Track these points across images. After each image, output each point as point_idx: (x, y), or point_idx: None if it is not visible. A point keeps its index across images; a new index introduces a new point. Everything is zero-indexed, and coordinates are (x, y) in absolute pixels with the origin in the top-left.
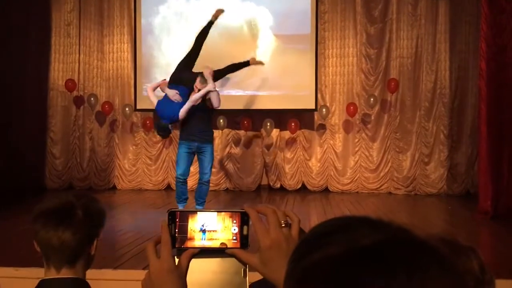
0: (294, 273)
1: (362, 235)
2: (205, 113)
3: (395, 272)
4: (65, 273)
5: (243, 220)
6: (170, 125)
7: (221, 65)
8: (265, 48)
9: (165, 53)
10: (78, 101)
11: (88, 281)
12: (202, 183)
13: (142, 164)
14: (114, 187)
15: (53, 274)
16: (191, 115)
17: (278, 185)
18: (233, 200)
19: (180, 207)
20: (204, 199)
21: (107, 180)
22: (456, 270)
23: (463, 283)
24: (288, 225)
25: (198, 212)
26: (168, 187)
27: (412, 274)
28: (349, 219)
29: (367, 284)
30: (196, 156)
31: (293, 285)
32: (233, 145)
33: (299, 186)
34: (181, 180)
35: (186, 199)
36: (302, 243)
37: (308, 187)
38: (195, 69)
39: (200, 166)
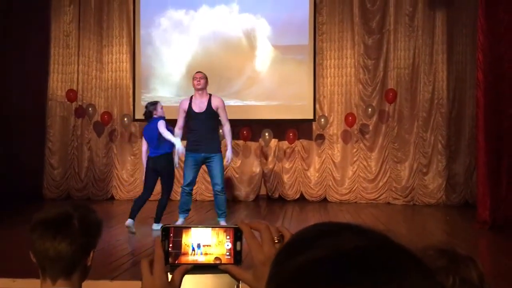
0: (276, 276)
1: (344, 240)
2: (210, 120)
3: (374, 275)
4: (61, 285)
5: (236, 236)
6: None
7: (220, 76)
8: (263, 59)
9: (164, 64)
10: (79, 112)
11: None
12: (216, 194)
13: (141, 174)
14: (112, 198)
15: (49, 286)
16: (196, 123)
17: (277, 195)
18: (231, 211)
19: (181, 218)
20: (222, 210)
21: (105, 190)
22: (431, 274)
23: (439, 286)
24: (282, 241)
25: (192, 228)
26: None
27: (390, 277)
28: (332, 225)
29: (349, 285)
30: (205, 166)
31: (276, 287)
32: None
33: (298, 196)
34: (186, 191)
35: (188, 210)
36: (286, 246)
37: (307, 197)
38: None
39: (210, 176)
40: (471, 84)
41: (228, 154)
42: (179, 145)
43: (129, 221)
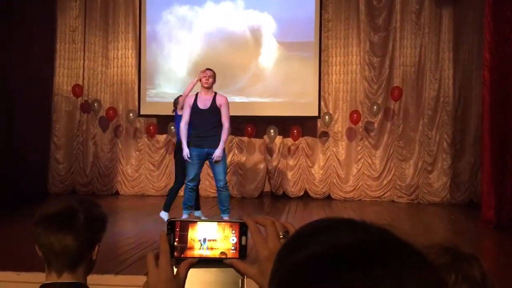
0: (279, 271)
1: (344, 235)
2: (214, 117)
3: (372, 268)
4: (66, 278)
5: (242, 230)
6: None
7: (224, 72)
8: (268, 55)
9: (169, 60)
10: (85, 107)
11: (90, 286)
12: (219, 190)
13: (145, 169)
14: (116, 193)
15: (54, 279)
16: (199, 119)
17: (281, 192)
18: (235, 207)
19: (185, 214)
20: (225, 206)
21: (110, 185)
22: (433, 269)
23: (438, 279)
24: (287, 237)
25: (198, 222)
26: None
27: (388, 270)
28: (333, 220)
29: (347, 279)
30: (208, 162)
31: (278, 282)
32: (236, 152)
33: (302, 193)
34: (189, 187)
35: (192, 206)
36: (289, 241)
37: (311, 194)
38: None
39: (213, 172)
40: (477, 83)
41: (218, 151)
42: (186, 151)
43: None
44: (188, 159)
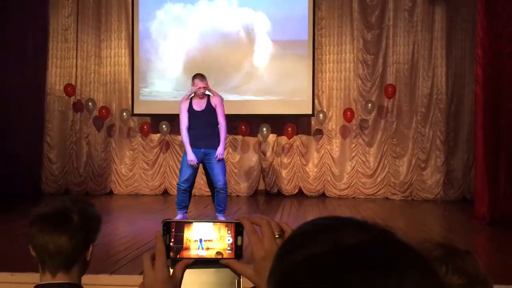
0: (278, 269)
1: (347, 235)
2: (210, 117)
3: (374, 271)
4: (60, 278)
5: (237, 230)
6: None
7: (218, 71)
8: (262, 54)
9: (163, 58)
10: (78, 106)
11: (84, 286)
12: (217, 190)
13: (139, 169)
14: (110, 192)
15: (48, 279)
16: (196, 121)
17: (275, 190)
18: (230, 205)
19: (180, 214)
20: (222, 206)
21: (103, 185)
22: (433, 270)
23: (440, 282)
24: (282, 236)
25: (193, 222)
26: (165, 192)
27: (390, 274)
28: (336, 219)
29: (349, 281)
30: (205, 163)
31: (276, 281)
32: (230, 150)
33: (296, 191)
34: (182, 188)
35: (186, 207)
36: (289, 240)
37: (305, 192)
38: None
39: (211, 173)
40: (470, 80)
41: (219, 149)
42: (191, 156)
43: None
44: (195, 164)
